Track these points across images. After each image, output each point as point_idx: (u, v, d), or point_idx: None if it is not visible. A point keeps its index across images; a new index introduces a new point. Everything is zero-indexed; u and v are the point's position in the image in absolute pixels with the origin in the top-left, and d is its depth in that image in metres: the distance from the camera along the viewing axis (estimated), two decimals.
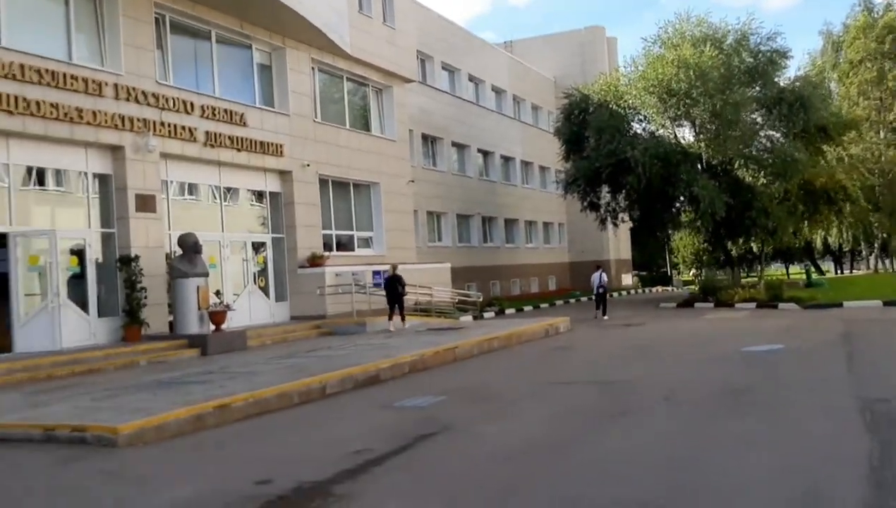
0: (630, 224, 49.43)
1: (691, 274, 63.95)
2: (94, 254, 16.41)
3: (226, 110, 19.44)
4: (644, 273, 61.33)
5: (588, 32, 50.64)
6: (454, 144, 37.11)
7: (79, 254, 16.19)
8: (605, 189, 34.49)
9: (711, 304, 27.31)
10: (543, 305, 34.00)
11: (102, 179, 16.86)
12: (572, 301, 37.53)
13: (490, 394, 10.72)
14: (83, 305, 15.99)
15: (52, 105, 15.22)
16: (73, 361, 13.83)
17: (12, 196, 15.09)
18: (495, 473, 6.52)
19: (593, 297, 25.90)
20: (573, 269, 49.53)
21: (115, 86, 16.60)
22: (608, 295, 26.83)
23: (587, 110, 34.14)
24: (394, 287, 20.13)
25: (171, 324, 17.14)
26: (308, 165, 22.13)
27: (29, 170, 15.62)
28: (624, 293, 46.73)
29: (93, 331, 16.04)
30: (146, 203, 17.14)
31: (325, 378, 11.40)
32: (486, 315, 27.43)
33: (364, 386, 11.98)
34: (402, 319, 20.20)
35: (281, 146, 21.19)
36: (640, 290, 50.10)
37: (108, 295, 16.65)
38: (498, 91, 43.04)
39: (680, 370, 12.29)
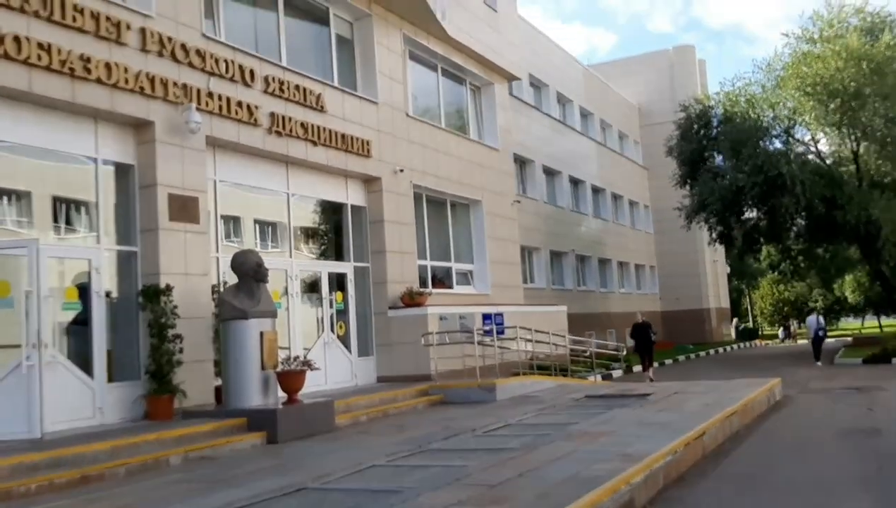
0: (727, 269, 43.20)
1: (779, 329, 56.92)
2: (103, 283, 10.57)
3: (297, 86, 13.78)
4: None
5: (677, 53, 45.05)
6: (545, 170, 31.27)
7: (80, 285, 10.44)
8: (734, 218, 28.35)
9: None
10: (667, 361, 27.53)
11: (120, 172, 11.14)
12: (692, 356, 31.00)
13: None
14: (84, 363, 10.08)
15: (41, 46, 9.62)
16: (57, 462, 7.88)
17: None
18: None
19: (810, 342, 24.85)
20: (667, 320, 42.78)
21: (142, 31, 11.02)
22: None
23: (708, 125, 28.43)
24: (646, 335, 19.80)
25: (218, 392, 11.19)
26: (401, 171, 16.32)
27: (2, 149, 9.96)
28: (734, 347, 39.94)
29: (98, 405, 10.10)
30: (186, 208, 11.36)
31: None
32: (613, 373, 21.25)
33: None
34: (650, 369, 19.72)
35: (367, 143, 15.46)
36: (741, 345, 42.95)
37: (125, 348, 10.76)
38: (585, 113, 37.35)
39: None
